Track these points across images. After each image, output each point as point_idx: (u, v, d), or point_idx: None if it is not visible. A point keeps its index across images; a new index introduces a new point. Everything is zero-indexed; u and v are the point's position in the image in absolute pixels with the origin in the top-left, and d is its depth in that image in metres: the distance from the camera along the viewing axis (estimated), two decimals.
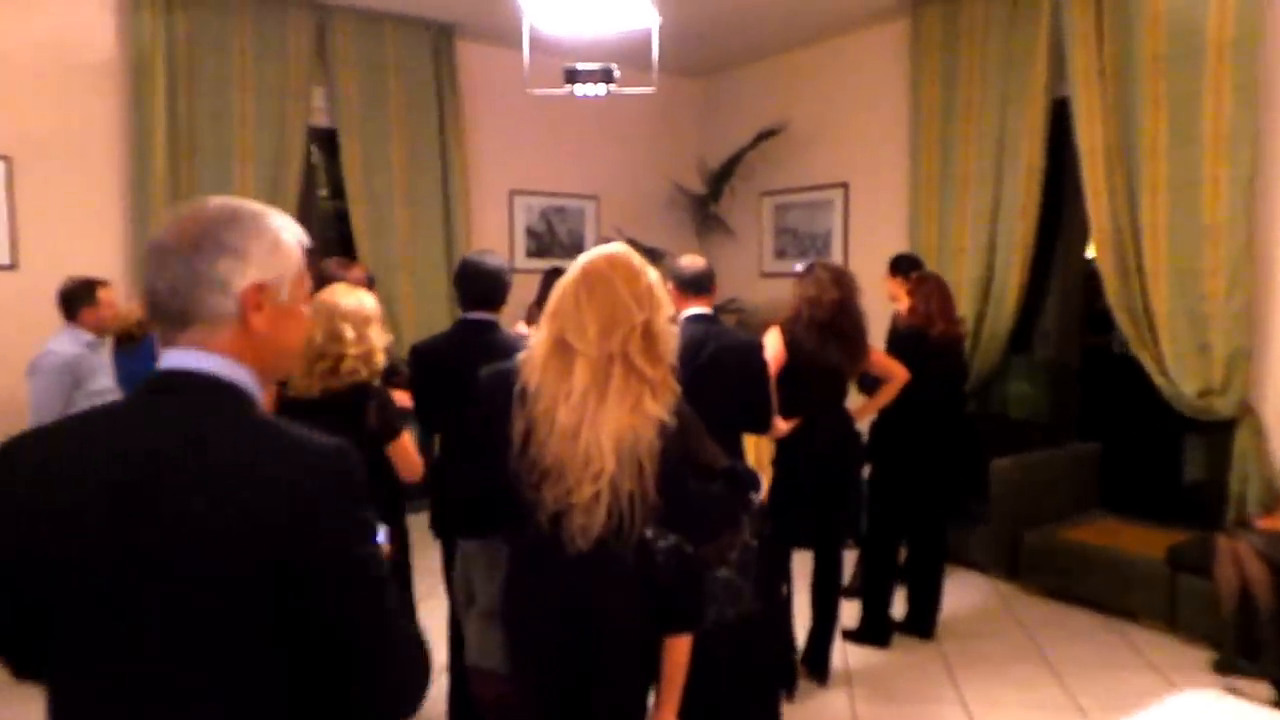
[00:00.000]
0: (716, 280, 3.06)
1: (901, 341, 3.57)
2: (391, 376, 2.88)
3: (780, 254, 6.43)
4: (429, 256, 5.64)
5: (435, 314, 5.61)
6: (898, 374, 3.28)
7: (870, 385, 3.46)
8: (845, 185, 5.92)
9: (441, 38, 5.62)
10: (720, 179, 6.44)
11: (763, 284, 6.49)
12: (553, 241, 6.43)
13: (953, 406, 3.67)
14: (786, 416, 3.07)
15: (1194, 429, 4.62)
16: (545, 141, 6.31)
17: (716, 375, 2.62)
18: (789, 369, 3.06)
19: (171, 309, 1.01)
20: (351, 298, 2.52)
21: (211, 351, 1.01)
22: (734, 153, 6.31)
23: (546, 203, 6.38)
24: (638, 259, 1.76)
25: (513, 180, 6.20)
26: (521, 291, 6.09)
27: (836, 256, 5.98)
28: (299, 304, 1.09)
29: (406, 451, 2.53)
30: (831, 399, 3.17)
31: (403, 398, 2.84)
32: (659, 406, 1.67)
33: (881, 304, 4.16)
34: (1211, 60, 3.97)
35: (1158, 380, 4.25)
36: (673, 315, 1.76)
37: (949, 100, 5.11)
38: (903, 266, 4.06)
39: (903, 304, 3.77)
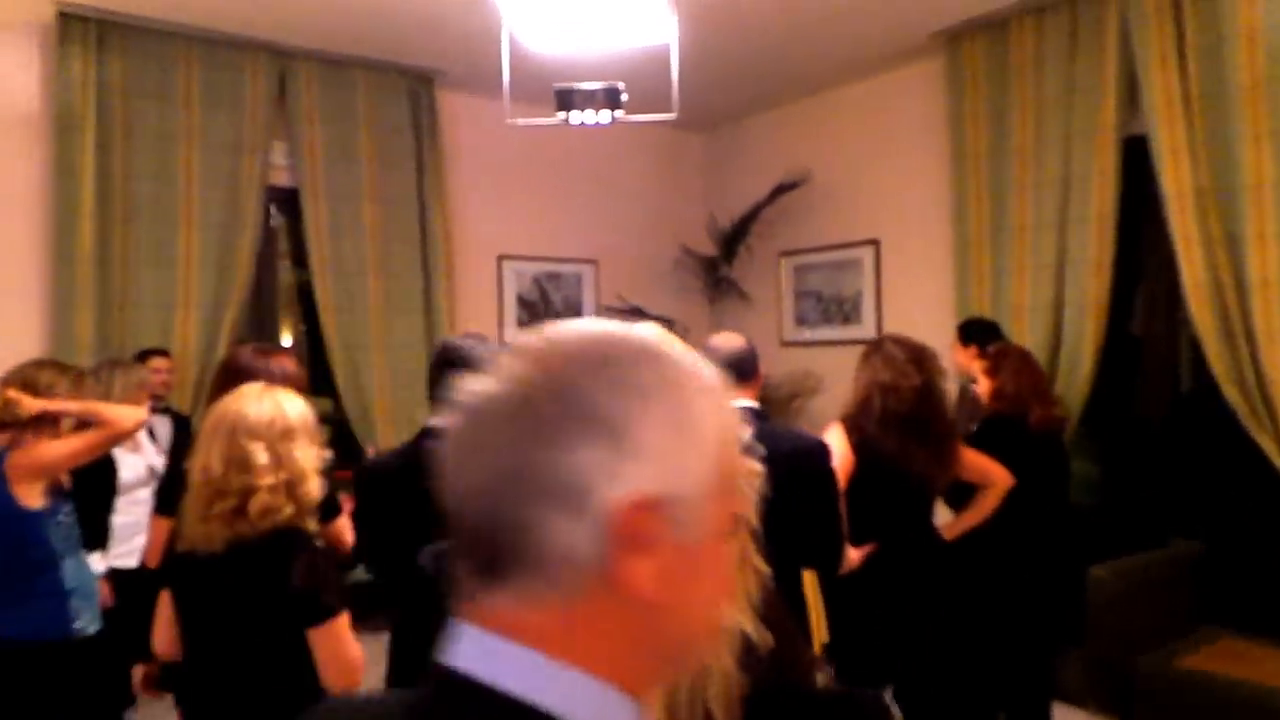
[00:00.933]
0: (759, 362, 2.33)
1: (992, 434, 2.81)
2: (330, 516, 2.09)
3: (802, 320, 5.74)
4: (406, 335, 4.93)
5: (415, 408, 4.89)
6: (998, 478, 2.54)
7: (958, 495, 2.69)
8: (876, 242, 5.26)
9: (420, 86, 5.01)
10: (734, 239, 5.79)
11: (784, 354, 5.79)
12: (547, 311, 5.74)
13: (1058, 513, 2.90)
14: (857, 543, 2.33)
15: None
16: (537, 200, 5.67)
17: (771, 493, 1.90)
18: (859, 479, 2.33)
19: (477, 541, 0.53)
20: (264, 403, 1.78)
21: (528, 640, 0.51)
22: (748, 209, 5.67)
23: (539, 268, 5.70)
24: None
25: (502, 244, 5.53)
26: None
27: (867, 322, 5.29)
28: (720, 540, 0.56)
29: (339, 642, 1.74)
30: (916, 516, 2.42)
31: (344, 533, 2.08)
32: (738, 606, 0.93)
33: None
34: None
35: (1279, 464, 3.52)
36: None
37: (998, 143, 4.47)
38: (975, 334, 3.36)
39: (982, 384, 3.04)
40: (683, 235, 6.09)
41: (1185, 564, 3.92)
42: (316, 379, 6.13)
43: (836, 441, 2.35)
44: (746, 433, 0.70)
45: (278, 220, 4.81)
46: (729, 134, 6.29)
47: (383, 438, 4.79)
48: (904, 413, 2.32)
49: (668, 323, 5.60)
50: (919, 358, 2.38)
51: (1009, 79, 4.40)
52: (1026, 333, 4.30)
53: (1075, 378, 4.16)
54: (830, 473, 2.11)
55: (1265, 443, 3.56)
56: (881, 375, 2.36)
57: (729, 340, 2.19)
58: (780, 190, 5.50)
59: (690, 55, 4.87)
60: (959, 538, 2.56)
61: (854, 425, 2.36)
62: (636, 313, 5.72)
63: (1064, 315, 4.22)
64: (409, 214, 4.96)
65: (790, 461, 2.07)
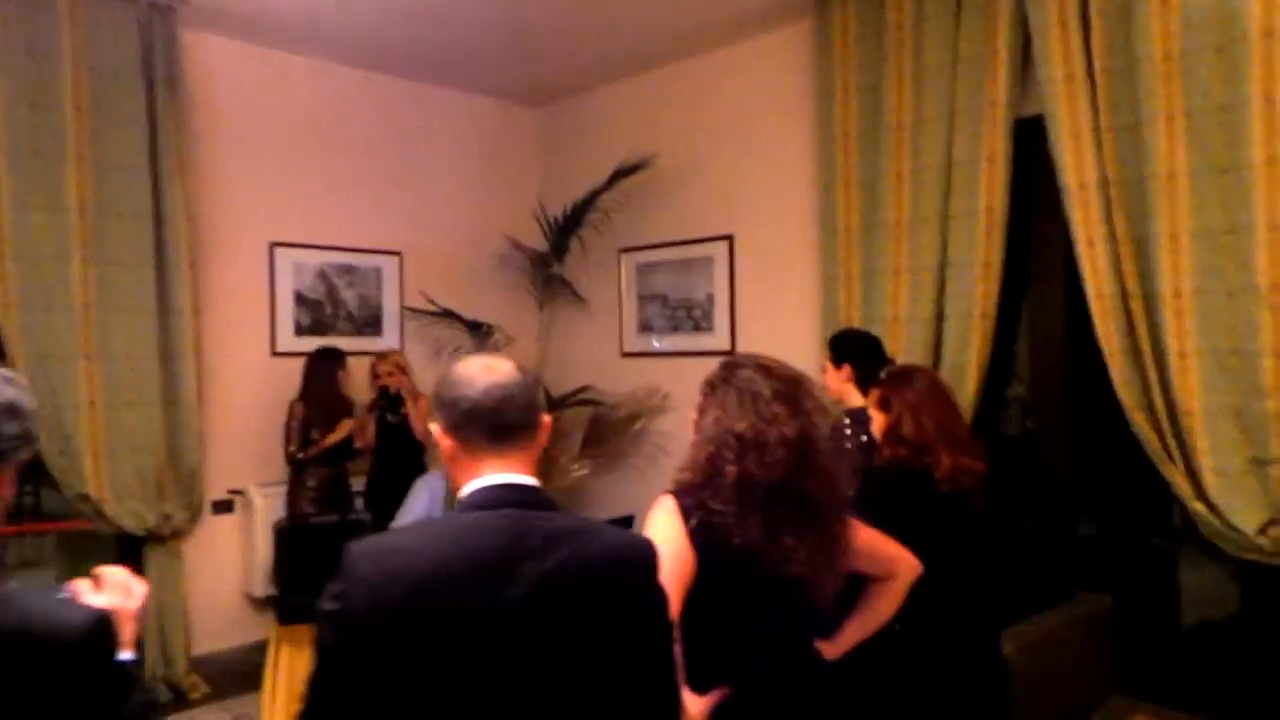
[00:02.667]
0: (542, 397, 1.43)
1: (883, 492, 2.02)
2: None
3: (646, 327, 4.93)
4: (129, 341, 3.76)
5: (139, 432, 3.74)
6: (904, 567, 1.76)
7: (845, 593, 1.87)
8: (730, 238, 4.51)
9: (153, 17, 3.84)
10: (565, 231, 4.90)
11: (625, 366, 4.95)
12: (335, 314, 4.66)
13: (974, 603, 2.14)
14: (698, 687, 1.49)
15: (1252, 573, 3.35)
16: (326, 176, 4.59)
17: (549, 633, 1.07)
18: (701, 589, 1.49)
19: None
20: None
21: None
22: (584, 197, 4.80)
23: (326, 259, 4.62)
24: None
25: (274, 228, 4.42)
26: (280, 386, 4.21)
27: (720, 331, 4.53)
28: None
29: None
30: (792, 641, 1.60)
31: None
32: None
33: None
34: (1258, 54, 2.79)
35: (1193, 507, 2.97)
36: None
37: (871, 123, 3.79)
38: (851, 351, 2.60)
39: (875, 421, 2.25)
40: (509, 225, 5.15)
41: (1096, 622, 3.34)
42: None
43: (666, 527, 1.50)
44: None
45: None
46: (566, 110, 5.40)
47: (91, 478, 3.61)
48: (772, 480, 1.50)
49: (484, 329, 4.65)
50: (792, 392, 1.56)
51: (885, 49, 3.73)
52: (901, 347, 3.63)
53: (959, 400, 3.52)
54: (658, 592, 1.26)
55: (1178, 482, 3.00)
56: (736, 421, 1.53)
57: (489, 372, 1.28)
58: (620, 174, 4.66)
59: (516, 16, 3.97)
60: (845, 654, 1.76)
61: (694, 501, 1.51)
62: (448, 315, 4.74)
63: (945, 329, 3.58)
64: (138, 185, 3.78)
65: (589, 578, 1.21)
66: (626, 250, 5.01)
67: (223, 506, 4.16)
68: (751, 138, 4.41)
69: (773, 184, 4.31)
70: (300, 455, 4.05)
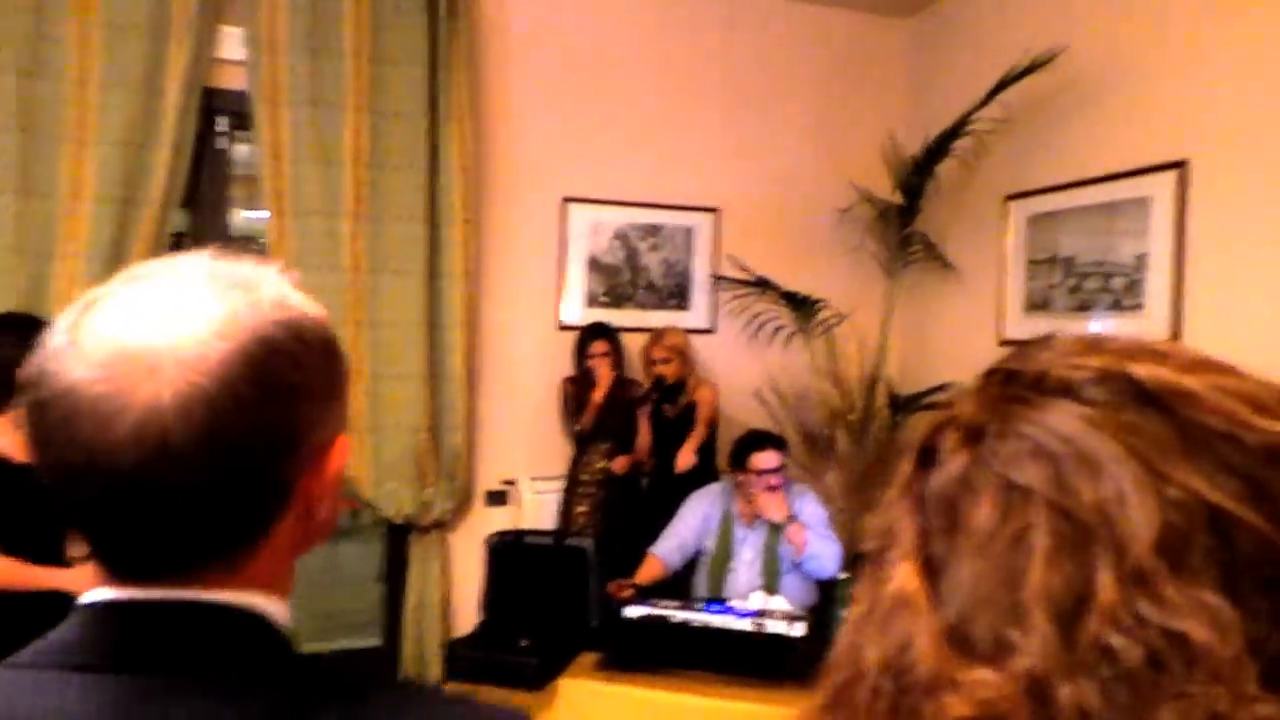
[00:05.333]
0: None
1: None
2: None
3: (1039, 305, 3.50)
4: (397, 307, 3.38)
5: (404, 408, 3.36)
6: None
7: None
8: (1181, 165, 2.93)
9: None
10: (924, 169, 3.64)
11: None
12: (635, 282, 3.95)
13: None
14: None
15: None
16: (632, 118, 3.89)
17: None
18: None
19: None
20: None
21: None
22: (953, 122, 3.50)
23: (628, 217, 3.92)
24: None
25: (568, 181, 3.81)
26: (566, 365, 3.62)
27: (1155, 311, 2.98)
28: None
29: None
30: None
31: None
32: None
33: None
34: None
35: None
36: None
37: None
38: None
39: None
40: (859, 173, 4.01)
41: None
42: None
43: None
44: None
45: (226, 136, 3.41)
46: (943, 17, 4.11)
47: (352, 456, 3.29)
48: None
49: (809, 303, 3.62)
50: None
51: None
52: None
53: None
54: None
55: None
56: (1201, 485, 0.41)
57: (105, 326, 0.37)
58: (1008, 81, 3.28)
59: None
60: None
61: None
62: (760, 285, 3.78)
63: None
64: (410, 130, 3.39)
65: None
66: (1015, 197, 3.60)
67: (496, 498, 3.68)
68: (1219, 6, 2.79)
69: (1262, 69, 2.66)
70: (579, 430, 3.44)
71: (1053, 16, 3.42)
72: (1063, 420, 0.39)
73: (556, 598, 2.48)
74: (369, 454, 3.35)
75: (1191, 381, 0.39)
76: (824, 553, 2.92)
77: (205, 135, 3.28)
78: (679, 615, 2.49)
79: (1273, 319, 2.60)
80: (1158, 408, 0.38)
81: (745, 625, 2.49)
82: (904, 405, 3.71)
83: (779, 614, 2.51)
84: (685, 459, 3.30)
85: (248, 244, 3.71)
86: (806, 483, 3.45)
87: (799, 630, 2.43)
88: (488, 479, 3.66)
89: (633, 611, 2.53)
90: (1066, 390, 0.40)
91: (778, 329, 3.92)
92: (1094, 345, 0.43)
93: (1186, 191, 2.91)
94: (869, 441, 3.76)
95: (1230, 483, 0.36)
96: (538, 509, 3.57)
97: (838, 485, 3.78)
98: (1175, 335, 2.91)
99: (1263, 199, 2.67)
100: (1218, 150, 2.81)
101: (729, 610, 2.63)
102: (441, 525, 3.50)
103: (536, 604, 2.49)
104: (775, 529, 2.98)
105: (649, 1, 3.88)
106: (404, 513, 3.39)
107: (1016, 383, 0.42)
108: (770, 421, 3.73)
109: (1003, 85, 3.28)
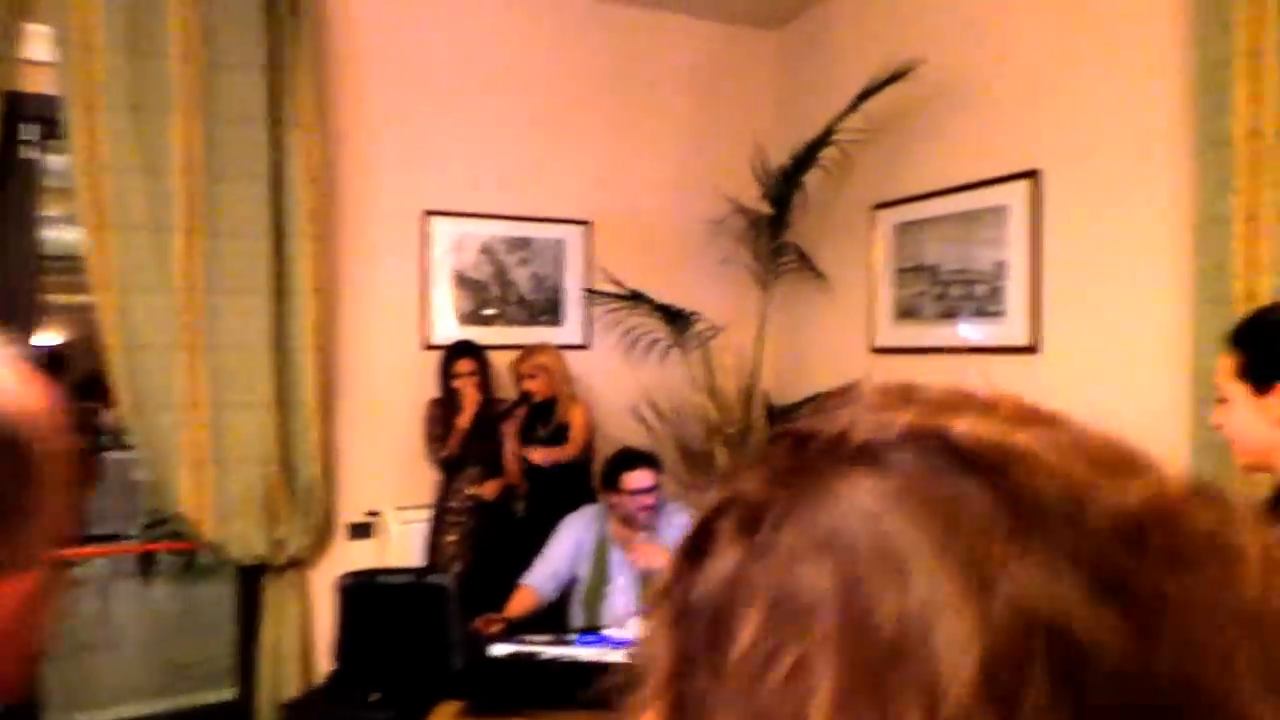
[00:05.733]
0: None
1: None
2: None
3: (908, 313, 3.53)
4: (234, 329, 3.11)
5: (248, 440, 3.09)
6: None
7: None
8: (1033, 175, 2.99)
9: None
10: (791, 178, 3.63)
11: (877, 367, 3.59)
12: (504, 298, 3.78)
13: None
14: None
15: None
16: (497, 127, 3.73)
17: None
18: None
19: None
20: None
21: None
22: (819, 132, 3.50)
23: (494, 230, 3.76)
24: None
25: (429, 193, 3.62)
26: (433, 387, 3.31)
27: (1013, 318, 3.03)
28: None
29: None
30: None
31: None
32: None
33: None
34: None
35: None
36: None
37: None
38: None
39: None
40: (729, 185, 3.97)
41: None
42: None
43: None
44: None
45: (34, 144, 3.07)
46: (809, 28, 4.12)
47: (187, 494, 3.00)
48: None
49: (683, 316, 3.54)
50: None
51: None
52: None
53: None
54: None
55: None
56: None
57: None
58: (871, 91, 3.30)
59: None
60: None
61: None
62: (635, 299, 3.68)
63: None
64: (250, 139, 3.13)
65: None
66: (882, 206, 3.63)
67: (360, 531, 3.43)
68: (1067, 24, 2.87)
69: (1107, 83, 2.74)
70: (445, 456, 3.25)
71: (910, 31, 3.46)
72: (860, 499, 0.28)
73: (416, 640, 2.30)
74: (210, 491, 3.05)
75: (1023, 438, 0.28)
76: None
77: (9, 144, 2.94)
78: (548, 651, 2.34)
79: (1122, 323, 2.67)
80: (981, 476, 0.27)
81: (619, 657, 2.36)
82: (781, 416, 3.67)
83: None
84: (542, 454, 3.20)
85: (63, 263, 3.35)
86: (684, 500, 3.35)
87: None
88: (351, 510, 3.42)
89: (499, 650, 2.37)
90: (868, 457, 0.29)
91: (654, 343, 3.83)
92: (905, 396, 0.31)
93: (1040, 200, 2.98)
94: (748, 455, 3.71)
95: (1075, 575, 0.25)
96: (405, 541, 3.35)
97: None
98: (1034, 341, 2.96)
99: (1111, 207, 2.74)
100: (1067, 160, 2.88)
101: (603, 640, 2.50)
102: (299, 563, 3.24)
103: (394, 649, 2.29)
104: None
105: (513, 7, 3.74)
106: (254, 553, 3.11)
107: (808, 448, 0.30)
108: (648, 438, 3.63)
109: (865, 96, 3.29)
